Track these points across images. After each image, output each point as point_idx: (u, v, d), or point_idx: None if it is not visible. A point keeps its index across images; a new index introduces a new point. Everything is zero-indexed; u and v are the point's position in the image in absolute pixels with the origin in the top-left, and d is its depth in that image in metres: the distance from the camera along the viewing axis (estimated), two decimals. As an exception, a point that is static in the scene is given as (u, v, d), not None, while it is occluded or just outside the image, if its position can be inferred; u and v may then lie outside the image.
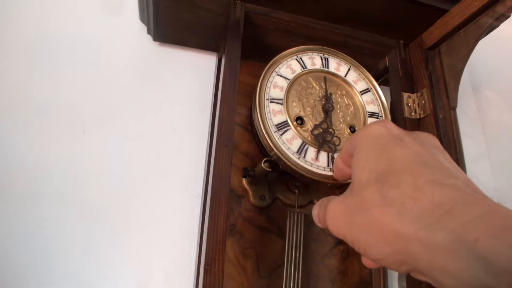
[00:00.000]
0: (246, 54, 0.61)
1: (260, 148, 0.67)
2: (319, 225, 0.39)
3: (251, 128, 0.68)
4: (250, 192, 0.65)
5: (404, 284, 0.63)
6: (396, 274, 0.68)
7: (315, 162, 0.56)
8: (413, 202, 0.27)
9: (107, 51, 0.73)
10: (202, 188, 0.67)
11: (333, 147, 0.58)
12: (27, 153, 0.63)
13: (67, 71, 0.70)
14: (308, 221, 0.66)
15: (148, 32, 0.73)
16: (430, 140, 0.34)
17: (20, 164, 0.63)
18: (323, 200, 0.38)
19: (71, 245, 0.61)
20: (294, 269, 0.59)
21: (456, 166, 0.31)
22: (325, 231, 0.68)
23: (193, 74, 0.74)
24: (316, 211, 0.39)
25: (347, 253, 0.68)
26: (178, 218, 0.65)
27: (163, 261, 0.63)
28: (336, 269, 0.67)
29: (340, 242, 0.68)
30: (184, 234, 0.65)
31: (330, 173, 0.56)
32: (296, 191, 0.65)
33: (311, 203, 0.68)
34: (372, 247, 0.29)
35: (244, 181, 0.65)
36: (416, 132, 0.35)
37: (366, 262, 0.37)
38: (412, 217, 0.27)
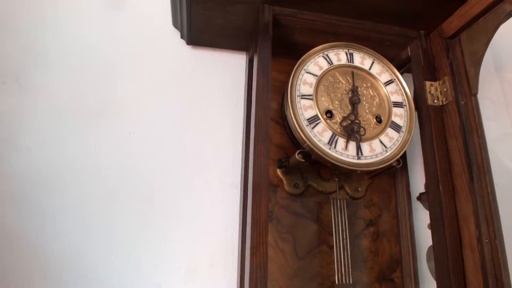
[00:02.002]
0: (273, 52, 0.65)
1: (292, 140, 0.72)
2: None
3: (282, 121, 0.73)
4: (284, 181, 0.71)
5: (433, 265, 0.67)
6: (424, 254, 0.72)
7: (345, 152, 0.61)
8: None
9: (145, 55, 0.79)
10: (240, 180, 0.73)
11: (358, 136, 0.62)
12: (79, 154, 0.71)
13: (110, 76, 0.76)
14: (341, 206, 0.71)
15: (182, 37, 0.78)
16: None
17: (75, 163, 0.70)
18: None
19: (127, 236, 0.68)
20: (343, 250, 0.64)
21: None
22: (356, 214, 0.73)
23: (225, 73, 0.80)
24: None
25: (377, 234, 0.73)
26: (220, 208, 0.72)
27: (209, 247, 0.70)
28: (368, 249, 0.72)
29: (370, 224, 0.73)
30: (226, 222, 0.71)
31: (360, 161, 0.61)
32: (337, 179, 0.70)
33: (342, 188, 0.73)
34: None
35: (278, 171, 0.71)
36: None
37: None
38: None
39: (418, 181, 0.78)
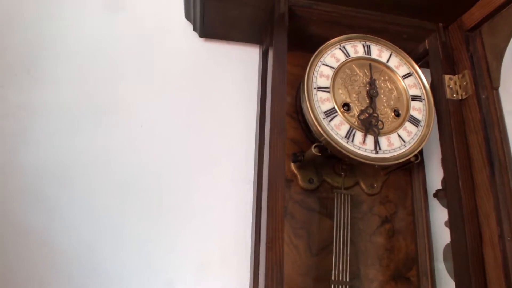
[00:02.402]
0: (288, 45, 0.64)
1: (306, 134, 0.71)
2: None
3: (297, 116, 0.72)
4: (299, 176, 0.69)
5: (450, 264, 0.66)
6: (441, 252, 0.71)
7: (363, 146, 0.59)
8: None
9: (156, 48, 0.78)
10: (254, 175, 0.72)
11: (376, 130, 0.61)
12: (89, 147, 0.69)
13: (122, 69, 0.75)
14: (355, 202, 0.70)
15: (194, 29, 0.77)
16: None
17: (85, 157, 0.69)
18: None
19: (137, 231, 0.67)
20: (342, 247, 0.63)
21: None
22: (372, 211, 0.72)
23: (238, 66, 0.79)
24: None
25: (393, 231, 0.71)
26: (232, 203, 0.70)
27: (221, 243, 0.68)
28: (383, 247, 0.70)
29: (386, 221, 0.72)
30: (238, 218, 0.70)
31: (378, 155, 0.59)
32: (343, 173, 0.68)
33: (357, 184, 0.71)
34: None
35: (293, 166, 0.69)
36: None
37: None
38: None
39: (434, 178, 0.76)
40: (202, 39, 0.79)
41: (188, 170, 0.71)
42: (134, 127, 0.72)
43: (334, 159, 0.71)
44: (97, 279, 0.64)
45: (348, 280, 0.61)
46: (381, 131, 0.61)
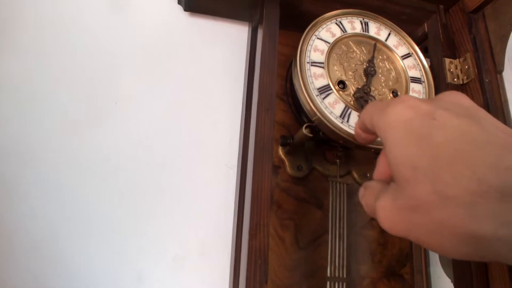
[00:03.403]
0: (279, 23, 0.59)
1: (296, 117, 0.65)
2: (368, 211, 0.34)
3: (286, 98, 0.67)
4: (287, 163, 0.64)
5: (447, 262, 0.61)
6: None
7: (359, 127, 0.54)
8: (481, 198, 0.23)
9: (137, 21, 0.71)
10: (238, 160, 0.66)
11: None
12: (55, 125, 0.63)
13: (99, 42, 0.69)
14: (348, 192, 0.65)
15: (179, 3, 0.71)
16: (460, 101, 0.29)
17: (50, 135, 0.62)
18: (369, 188, 0.34)
19: (107, 217, 0.60)
20: (339, 240, 0.57)
21: (504, 126, 0.26)
22: (364, 203, 0.66)
23: (225, 44, 0.73)
24: (364, 200, 0.34)
25: (386, 225, 0.66)
26: (214, 190, 0.64)
27: (199, 233, 0.62)
28: (376, 241, 0.65)
29: (379, 214, 0.67)
30: (220, 206, 0.64)
31: (375, 138, 0.54)
32: (338, 161, 0.63)
33: (349, 174, 0.66)
34: (446, 247, 0.26)
35: (280, 151, 0.64)
36: (439, 97, 0.30)
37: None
38: (487, 215, 0.23)
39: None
40: (187, 14, 0.73)
41: (166, 152, 0.65)
42: (109, 103, 0.65)
43: (325, 145, 0.66)
44: (60, 270, 0.57)
45: (345, 276, 0.56)
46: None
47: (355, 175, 0.66)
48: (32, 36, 0.66)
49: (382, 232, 0.66)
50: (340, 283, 0.55)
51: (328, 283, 0.55)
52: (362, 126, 0.37)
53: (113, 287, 0.58)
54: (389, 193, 0.29)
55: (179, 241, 0.61)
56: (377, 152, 0.64)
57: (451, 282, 0.61)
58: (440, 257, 0.65)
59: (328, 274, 0.55)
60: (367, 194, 0.33)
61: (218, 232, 0.62)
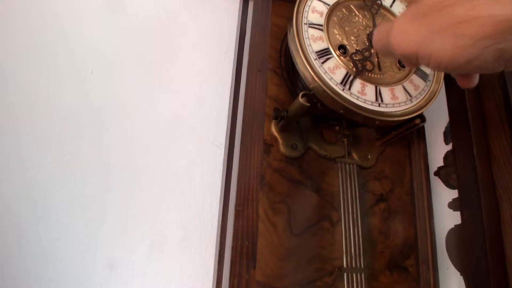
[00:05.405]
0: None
1: (291, 92, 0.59)
2: (378, 47, 0.36)
3: (281, 72, 0.60)
4: (280, 141, 0.57)
5: (455, 253, 0.55)
6: (442, 238, 0.60)
7: (362, 96, 0.48)
8: None
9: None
10: (226, 137, 0.59)
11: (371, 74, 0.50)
12: (31, 90, 0.56)
13: (86, 14, 0.62)
14: (346, 174, 0.58)
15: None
16: None
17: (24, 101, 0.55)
18: (385, 22, 0.34)
19: (77, 197, 0.53)
20: (353, 227, 0.51)
21: None
22: (365, 187, 0.60)
23: (214, 16, 0.67)
24: (377, 34, 0.36)
25: (388, 212, 0.60)
26: (198, 170, 0.58)
27: (181, 217, 0.55)
28: (377, 229, 0.59)
29: (380, 199, 0.60)
30: (205, 187, 0.57)
31: (380, 109, 0.48)
32: (345, 140, 0.57)
33: (349, 155, 0.60)
34: (462, 47, 0.26)
35: (273, 127, 0.57)
36: None
37: (461, 80, 0.34)
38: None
39: (435, 155, 0.66)
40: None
41: (148, 128, 0.58)
42: (84, 72, 0.59)
43: (323, 123, 0.60)
44: (22, 256, 0.50)
45: (362, 266, 0.49)
46: (382, 80, 0.51)
47: (355, 157, 0.60)
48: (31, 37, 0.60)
49: (385, 220, 0.59)
50: (359, 274, 0.49)
51: (345, 275, 0.48)
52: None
53: (81, 275, 0.51)
54: (406, 11, 0.31)
55: (158, 226, 0.54)
56: (381, 127, 0.58)
57: (460, 274, 0.55)
58: (448, 248, 0.59)
59: (345, 265, 0.49)
60: (381, 26, 0.35)
61: (201, 216, 0.55)
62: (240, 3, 0.68)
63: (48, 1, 0.62)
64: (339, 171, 0.54)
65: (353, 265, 0.50)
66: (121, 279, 0.51)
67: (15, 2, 0.60)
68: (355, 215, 0.52)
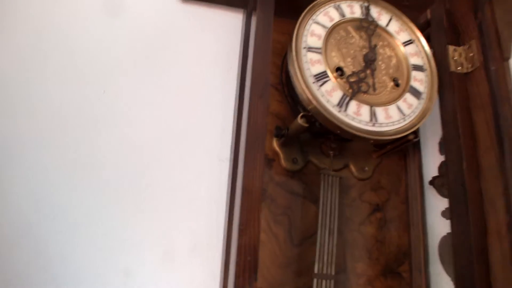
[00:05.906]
0: (275, 10, 0.55)
1: (292, 108, 0.62)
2: None
3: (282, 88, 0.63)
4: (281, 155, 0.61)
5: (447, 260, 0.58)
6: (436, 245, 0.63)
7: (357, 116, 0.51)
8: None
9: (128, 11, 0.68)
10: (230, 152, 0.63)
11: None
12: (35, 115, 0.59)
13: (91, 27, 0.65)
14: (344, 186, 0.62)
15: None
16: None
17: (31, 126, 0.59)
18: None
19: (92, 212, 0.57)
20: (328, 235, 0.54)
21: None
22: (362, 197, 0.63)
23: (219, 32, 0.69)
24: None
25: (384, 221, 0.63)
26: (205, 183, 0.61)
27: (190, 229, 0.59)
28: (373, 238, 0.62)
29: (377, 209, 0.64)
30: (211, 200, 0.61)
31: (374, 128, 0.51)
32: (331, 152, 0.60)
33: (346, 167, 0.63)
34: None
35: (275, 143, 0.61)
36: None
37: None
38: None
39: (430, 164, 0.69)
40: (180, 1, 0.70)
41: (157, 144, 0.62)
42: (96, 92, 0.62)
43: (322, 137, 0.63)
44: (42, 268, 0.54)
45: (333, 273, 0.53)
46: (377, 101, 0.53)
47: (353, 169, 0.63)
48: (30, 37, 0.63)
49: (380, 228, 0.63)
50: (328, 281, 0.52)
51: (314, 280, 0.52)
52: None
53: (99, 283, 0.55)
54: None
55: (170, 236, 0.58)
56: (376, 144, 0.61)
57: (451, 280, 0.58)
58: (441, 255, 0.62)
59: (316, 271, 0.52)
60: None
61: (210, 227, 0.59)
62: (243, 19, 0.70)
63: (50, 3, 0.65)
64: (321, 181, 0.57)
65: (324, 271, 0.53)
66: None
67: (16, 3, 0.64)
68: (332, 225, 0.55)
